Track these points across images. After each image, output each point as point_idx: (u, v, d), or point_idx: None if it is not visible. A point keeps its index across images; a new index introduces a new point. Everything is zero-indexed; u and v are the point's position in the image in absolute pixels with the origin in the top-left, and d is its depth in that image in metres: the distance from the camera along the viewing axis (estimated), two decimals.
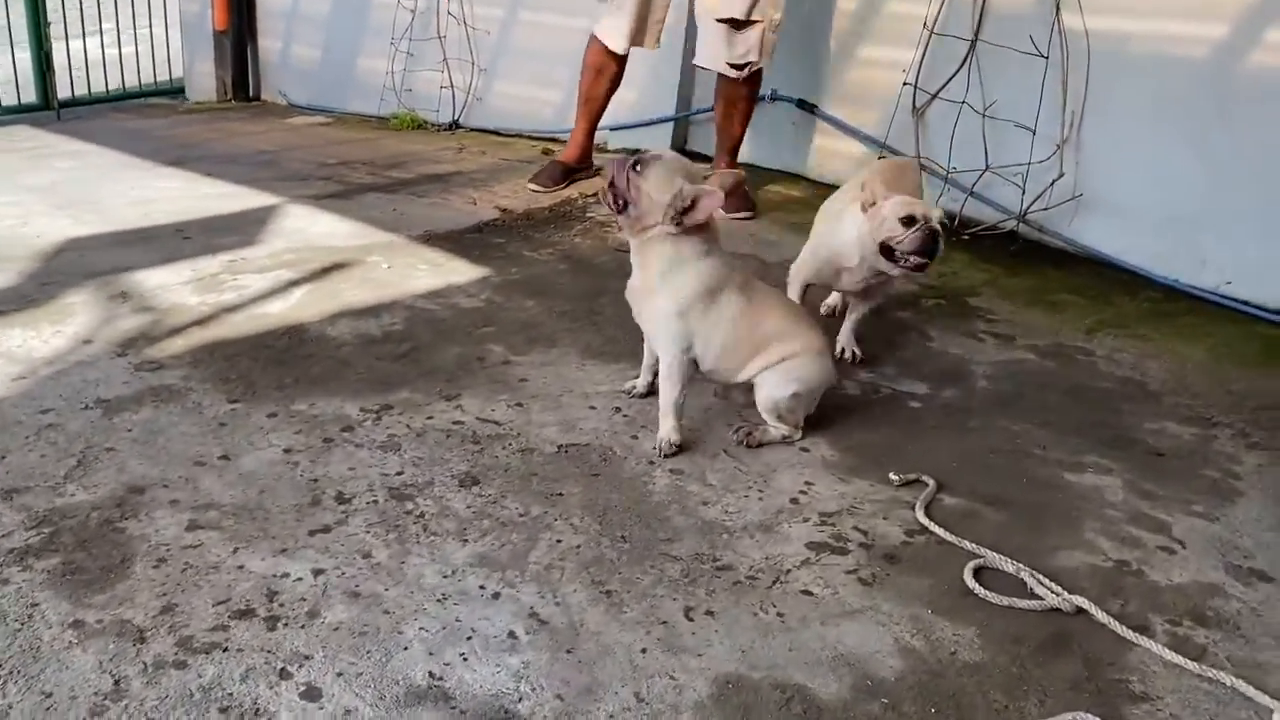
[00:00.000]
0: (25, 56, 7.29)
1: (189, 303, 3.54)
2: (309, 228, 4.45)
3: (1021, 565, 2.48)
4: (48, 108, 7.41)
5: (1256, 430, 3.23)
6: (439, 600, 2.21)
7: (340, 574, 2.26)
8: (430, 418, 2.94)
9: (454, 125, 6.96)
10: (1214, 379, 3.59)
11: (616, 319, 3.69)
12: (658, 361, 2.96)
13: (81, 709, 1.84)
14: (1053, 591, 2.39)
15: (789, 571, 2.42)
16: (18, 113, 7.21)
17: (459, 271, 4.03)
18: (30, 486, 2.46)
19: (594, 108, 5.30)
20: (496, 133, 6.75)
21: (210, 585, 2.19)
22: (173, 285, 3.68)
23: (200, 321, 3.39)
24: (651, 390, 3.09)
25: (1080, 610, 2.34)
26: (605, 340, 3.55)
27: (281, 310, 3.54)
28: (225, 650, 2.01)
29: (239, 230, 4.37)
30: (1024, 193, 4.81)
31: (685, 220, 2.73)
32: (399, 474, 2.66)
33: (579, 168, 5.44)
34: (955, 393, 3.39)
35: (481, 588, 2.27)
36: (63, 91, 7.46)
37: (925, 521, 2.63)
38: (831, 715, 2.00)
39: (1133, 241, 4.60)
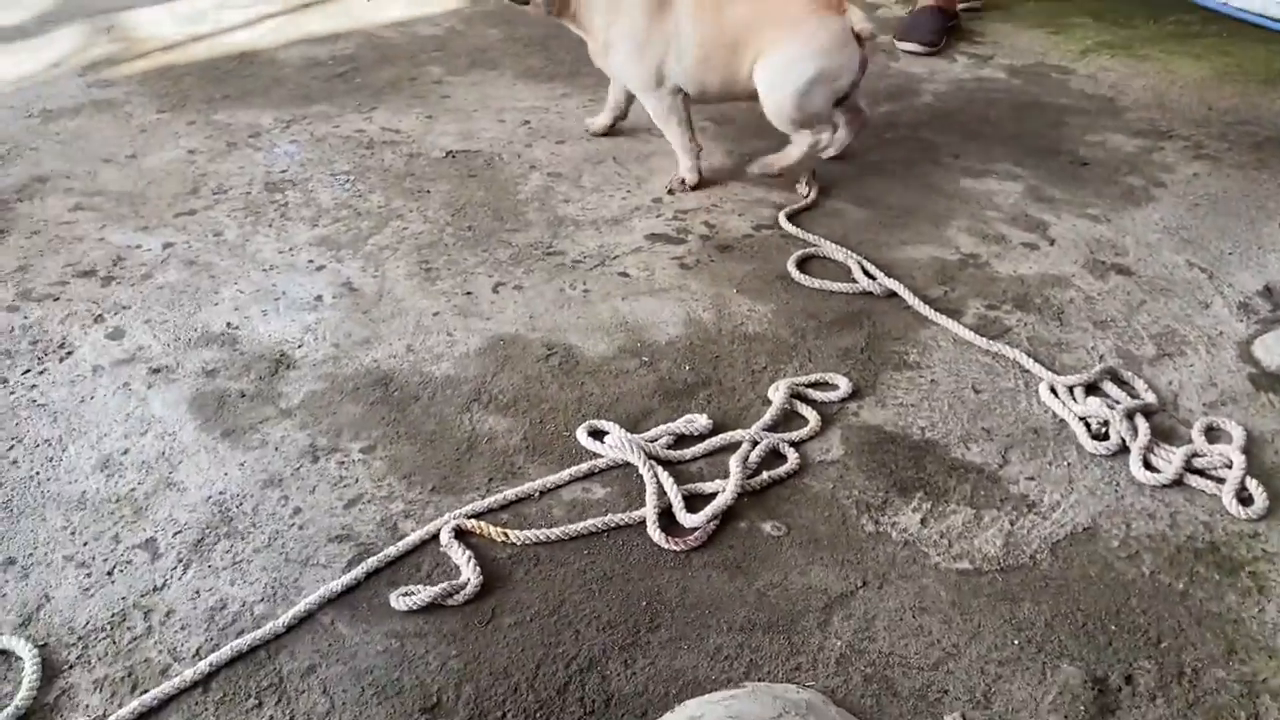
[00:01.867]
0: None
1: (166, 34, 3.73)
2: None
3: (851, 253, 2.41)
4: None
5: (1213, 142, 2.93)
6: (265, 270, 2.38)
7: (186, 247, 2.46)
8: (336, 126, 3.05)
9: None
10: (1199, 97, 3.24)
11: (572, 45, 3.65)
12: (626, 100, 2.92)
13: None
14: (870, 276, 2.33)
15: (616, 258, 2.45)
16: None
17: (436, 3, 4.05)
18: None
19: None
20: None
21: (68, 252, 2.43)
22: (159, 20, 3.88)
23: (166, 48, 3.59)
24: (612, 130, 3.02)
25: (892, 294, 2.28)
26: (549, 64, 3.53)
27: (244, 39, 3.68)
28: (57, 300, 2.26)
29: None
30: None
31: None
32: (282, 172, 2.80)
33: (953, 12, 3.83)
34: (891, 109, 3.21)
35: (310, 262, 2.42)
36: None
37: (781, 220, 2.58)
38: (585, 367, 2.07)
39: None
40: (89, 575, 1.60)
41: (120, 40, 3.67)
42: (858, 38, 2.52)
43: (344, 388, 2.02)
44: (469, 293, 2.31)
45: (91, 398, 1.98)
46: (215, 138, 2.97)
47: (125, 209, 2.61)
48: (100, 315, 2.21)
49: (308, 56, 3.53)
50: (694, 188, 2.73)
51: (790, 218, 2.59)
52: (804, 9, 2.48)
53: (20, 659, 1.46)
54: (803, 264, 2.41)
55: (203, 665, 1.46)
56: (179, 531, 1.68)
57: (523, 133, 3.05)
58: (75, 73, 3.39)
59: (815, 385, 2.01)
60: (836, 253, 2.42)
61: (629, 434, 1.85)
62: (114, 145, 2.93)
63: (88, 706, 1.42)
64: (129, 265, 2.38)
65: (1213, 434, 1.90)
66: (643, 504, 1.73)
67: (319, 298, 2.29)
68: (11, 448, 1.85)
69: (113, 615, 1.54)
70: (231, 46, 3.61)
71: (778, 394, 1.96)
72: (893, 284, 2.28)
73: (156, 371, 2.05)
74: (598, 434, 1.88)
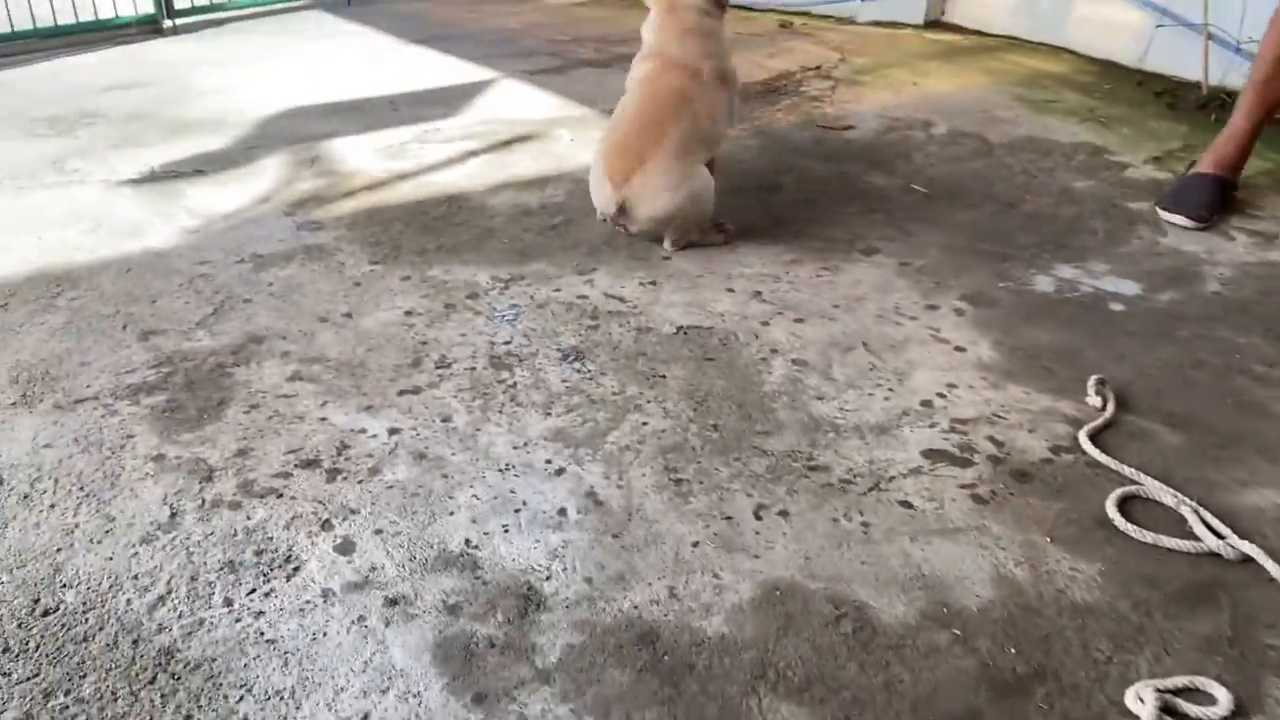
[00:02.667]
0: None
1: (370, 169, 3.63)
2: (510, 101, 4.44)
3: (1185, 498, 2.05)
4: None
5: None
6: (501, 470, 2.14)
7: (414, 434, 2.24)
8: (557, 290, 2.84)
9: None
10: None
11: (791, 200, 3.42)
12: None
13: (134, 535, 1.94)
14: (1216, 533, 1.96)
15: (892, 479, 2.14)
16: None
17: None
18: (166, 329, 2.61)
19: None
20: (749, 8, 6.45)
21: (289, 434, 2.23)
22: (362, 152, 3.79)
23: (372, 186, 3.47)
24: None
25: (1247, 559, 1.90)
26: (770, 221, 3.28)
27: (450, 180, 3.55)
28: (280, 496, 2.04)
29: (445, 103, 4.43)
30: None
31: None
32: (506, 344, 2.59)
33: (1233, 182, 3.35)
34: (1173, 296, 2.86)
35: (548, 462, 2.17)
36: None
37: (1084, 442, 2.23)
38: (885, 640, 1.75)
39: None
40: None
41: (325, 174, 3.57)
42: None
43: (604, 643, 1.73)
44: (728, 517, 2.02)
45: (324, 634, 1.73)
46: (432, 297, 2.79)
47: (346, 381, 2.42)
48: (327, 520, 1.99)
49: (518, 204, 3.36)
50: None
51: (1092, 438, 2.24)
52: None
53: None
54: (1123, 504, 2.06)
55: None
56: None
57: (756, 307, 2.78)
58: (283, 210, 3.28)
59: (1183, 691, 1.64)
60: (1163, 494, 2.06)
61: None
62: (329, 301, 2.76)
63: None
64: (354, 455, 2.17)
65: None
66: None
67: (562, 511, 2.03)
68: (240, 699, 1.61)
69: None
70: (438, 188, 3.47)
71: (1143, 707, 1.59)
72: (1247, 547, 1.90)
73: (394, 603, 1.80)
74: None
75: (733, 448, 2.22)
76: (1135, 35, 4.70)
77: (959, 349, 2.60)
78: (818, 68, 4.75)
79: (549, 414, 2.32)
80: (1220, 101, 4.23)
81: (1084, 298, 2.85)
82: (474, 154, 3.76)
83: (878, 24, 5.63)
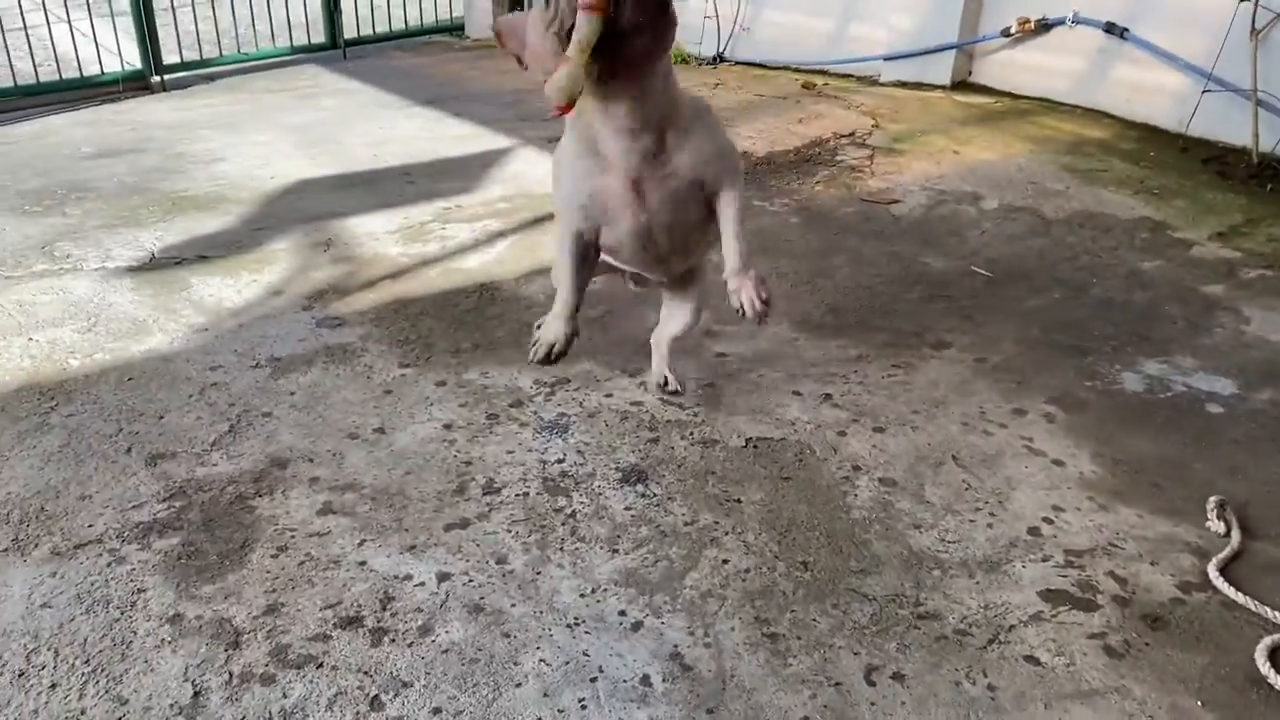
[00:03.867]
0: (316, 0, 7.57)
1: (390, 253, 3.38)
2: (531, 172, 4.21)
3: None
4: (334, 47, 7.71)
5: None
6: (570, 626, 1.87)
7: (467, 580, 1.97)
8: (609, 395, 2.59)
9: (718, 59, 6.54)
10: None
11: (846, 286, 3.19)
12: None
13: None
14: None
15: (1012, 629, 1.89)
16: (307, 52, 7.52)
17: None
18: (177, 452, 2.34)
19: None
20: (762, 65, 6.28)
21: (325, 583, 1.96)
22: (380, 234, 3.54)
23: (395, 274, 3.22)
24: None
25: None
26: (826, 310, 3.05)
27: (479, 265, 3.30)
28: (320, 666, 1.77)
29: (463, 175, 4.20)
30: None
31: None
32: (559, 462, 2.33)
33: None
34: (1273, 395, 2.63)
35: (622, 614, 1.90)
36: (351, 31, 7.71)
37: (1215, 578, 1.99)
38: None
39: None
40: None
41: (342, 260, 3.32)
42: None
43: None
44: (836, 683, 1.76)
45: None
46: (472, 406, 2.53)
47: (384, 514, 2.15)
48: (376, 697, 1.71)
49: (553, 293, 3.11)
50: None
51: (1223, 572, 2.00)
52: None
53: None
54: (1274, 655, 1.81)
55: None
56: None
57: (829, 413, 2.54)
58: (299, 304, 3.02)
59: None
60: None
61: None
62: (358, 413, 2.50)
63: None
64: (401, 610, 1.89)
65: None
66: None
67: (645, 680, 1.76)
68: None
69: None
70: (467, 275, 3.23)
71: None
72: None
73: None
74: None
75: (828, 591, 1.97)
76: (1176, 99, 4.53)
77: (1057, 463, 2.36)
78: (852, 134, 4.55)
79: (615, 550, 2.06)
80: (1273, 170, 4.05)
81: (1178, 398, 2.62)
82: (501, 235, 3.53)
83: (902, 85, 5.45)
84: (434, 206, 3.81)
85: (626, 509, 2.18)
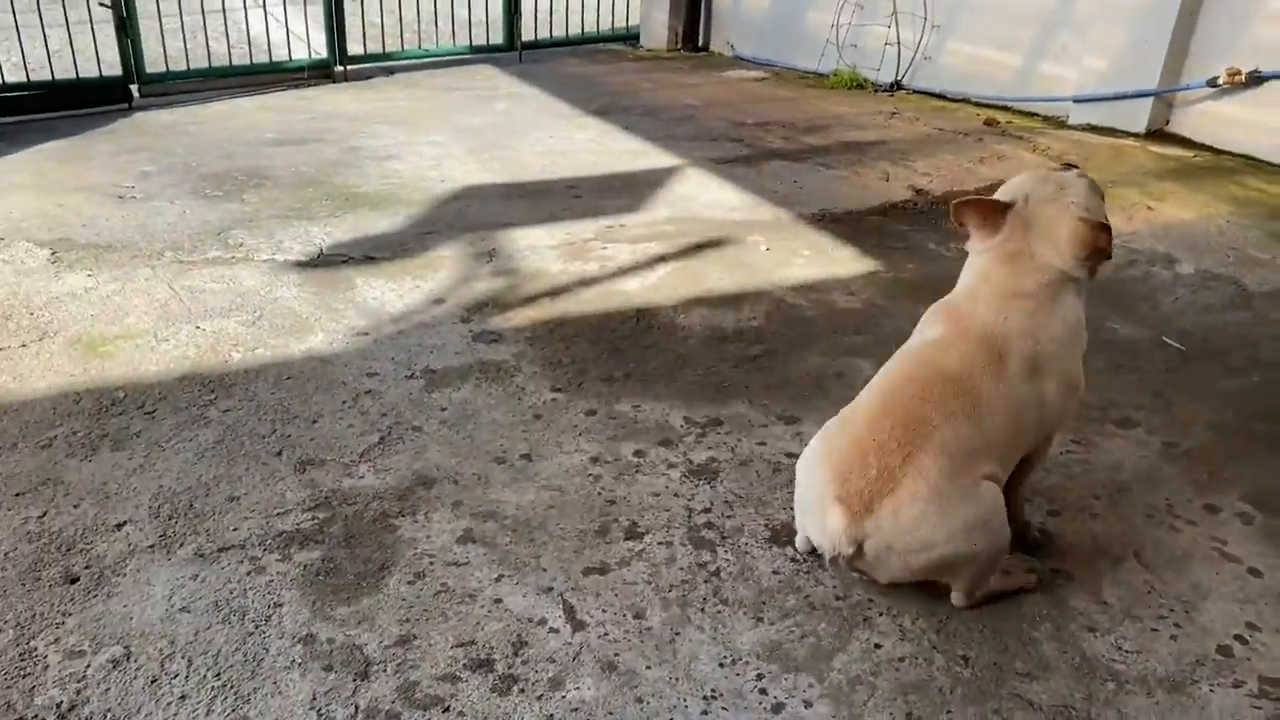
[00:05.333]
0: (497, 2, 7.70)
1: (551, 269, 3.35)
2: (698, 195, 4.13)
3: None
4: (511, 48, 7.83)
5: None
6: (706, 698, 1.76)
7: (603, 633, 1.88)
8: (761, 443, 2.47)
9: (895, 86, 6.34)
10: None
11: None
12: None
13: None
14: None
15: None
16: (485, 52, 7.68)
17: (844, 262, 3.49)
18: (326, 460, 2.33)
19: None
20: (941, 96, 6.05)
21: (459, 618, 1.90)
22: (542, 248, 3.52)
23: (554, 292, 3.18)
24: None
25: None
26: None
27: (638, 289, 3.23)
28: (446, 710, 1.71)
29: (629, 192, 4.14)
30: None
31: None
32: (705, 511, 2.23)
33: None
34: None
35: (762, 692, 1.78)
36: (528, 34, 7.81)
37: None
38: None
39: None
40: None
41: (503, 272, 3.30)
42: None
43: None
44: None
45: None
46: (620, 440, 2.45)
47: (524, 548, 2.08)
48: None
49: (711, 325, 3.02)
50: None
51: None
52: None
53: None
54: None
55: None
56: None
57: None
58: (459, 315, 3.01)
59: None
60: None
61: None
62: (506, 435, 2.45)
63: None
64: (533, 658, 1.82)
65: None
66: None
67: None
68: None
69: None
70: (625, 299, 3.16)
71: None
72: None
73: None
74: None
75: (990, 692, 1.80)
76: None
77: (1254, 572, 2.12)
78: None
79: (760, 619, 1.94)
80: None
81: None
82: (662, 259, 3.45)
83: (1092, 129, 5.15)
84: (597, 224, 3.76)
85: (774, 572, 2.06)
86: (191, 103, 5.94)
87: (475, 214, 3.82)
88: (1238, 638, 1.95)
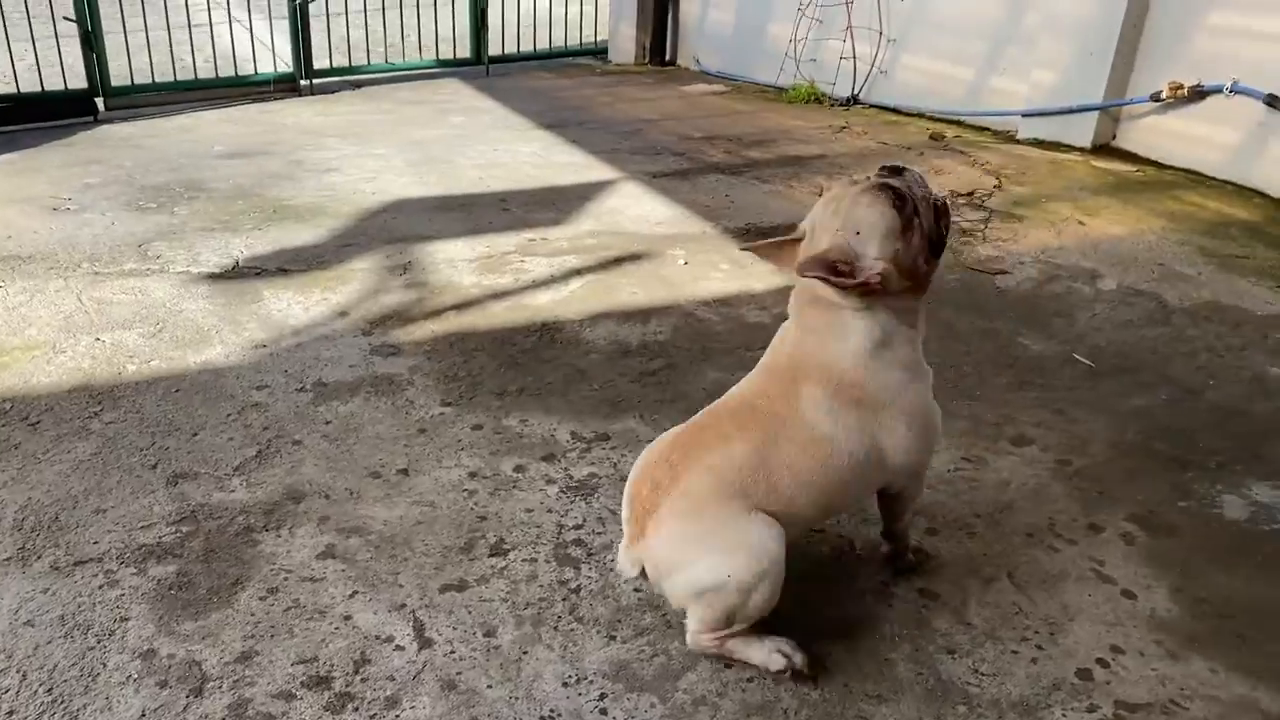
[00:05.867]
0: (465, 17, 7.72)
1: (463, 282, 3.33)
2: (627, 209, 4.12)
3: None
4: (478, 62, 7.86)
5: None
6: (543, 718, 1.73)
7: (449, 651, 1.86)
8: None
9: (851, 100, 6.35)
10: None
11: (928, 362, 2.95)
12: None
13: None
14: None
15: None
16: (453, 66, 7.72)
17: (760, 276, 3.48)
18: (200, 473, 2.31)
19: None
20: (896, 110, 6.05)
21: (305, 634, 1.88)
22: (459, 261, 3.50)
23: (461, 305, 3.16)
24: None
25: None
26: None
27: (548, 303, 3.21)
28: None
29: (559, 205, 4.13)
30: None
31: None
32: (577, 527, 2.20)
33: None
34: None
35: (602, 712, 1.75)
36: (499, 48, 7.83)
37: None
38: None
39: None
40: None
41: (415, 285, 3.29)
42: None
43: None
44: None
45: None
46: (502, 455, 2.43)
47: (383, 565, 2.06)
48: None
49: (616, 339, 3.00)
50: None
51: None
52: None
53: None
54: None
55: None
56: None
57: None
58: (360, 328, 2.99)
59: None
60: None
61: None
62: (387, 450, 2.43)
63: None
64: (373, 676, 1.79)
65: None
66: None
67: None
68: None
69: None
70: (533, 312, 3.14)
71: None
72: None
73: None
74: None
75: (836, 715, 1.77)
76: None
77: (1127, 594, 2.10)
78: (971, 194, 4.29)
79: (613, 637, 1.92)
80: None
81: None
82: (578, 272, 3.43)
83: (1039, 143, 5.15)
84: (520, 237, 3.75)
85: (636, 590, 2.03)
86: (156, 115, 5.96)
87: (399, 226, 3.81)
88: (1100, 661, 1.92)
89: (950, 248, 3.75)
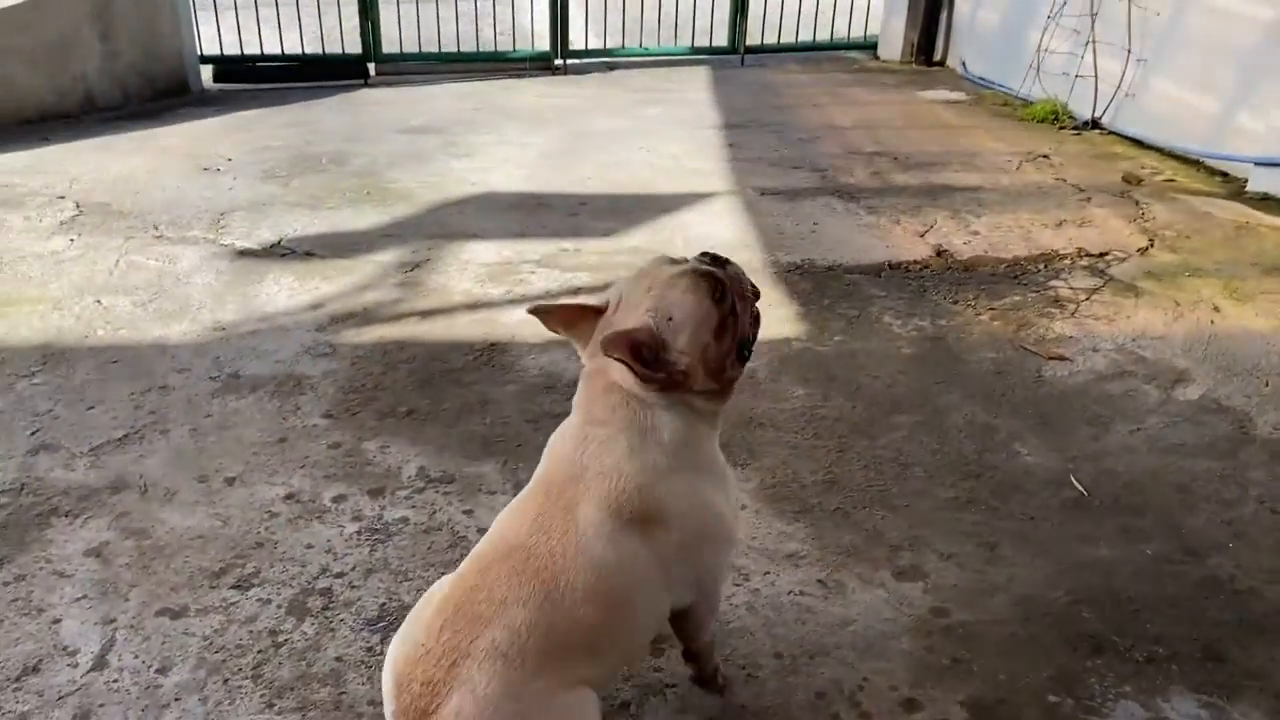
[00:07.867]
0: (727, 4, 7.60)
1: (455, 289, 3.28)
2: (695, 226, 3.87)
3: None
4: (733, 51, 7.74)
5: None
6: None
7: (114, 681, 1.84)
8: (469, 511, 2.28)
9: (1091, 124, 5.56)
10: None
11: (878, 455, 2.53)
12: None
13: None
14: None
15: None
16: (707, 54, 7.68)
17: (768, 324, 3.11)
18: (61, 448, 2.45)
19: None
20: (1138, 142, 5.21)
21: (6, 629, 1.94)
22: (472, 265, 3.45)
23: (430, 312, 3.12)
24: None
25: None
26: (821, 479, 2.43)
27: (515, 321, 3.08)
28: None
29: (630, 215, 3.95)
30: None
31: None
32: (338, 576, 2.10)
33: None
34: None
35: None
36: (756, 36, 7.68)
37: None
38: None
39: None
40: None
41: (409, 284, 3.29)
42: None
43: None
44: None
45: None
46: (333, 480, 2.37)
47: (129, 576, 2.08)
48: None
49: (549, 373, 2.82)
50: None
51: None
52: None
53: None
54: None
55: None
56: None
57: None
58: (320, 323, 3.03)
59: None
60: None
61: None
62: (234, 455, 2.45)
63: None
64: (26, 688, 1.81)
65: None
66: None
67: None
68: None
69: None
70: (492, 329, 3.04)
71: None
72: None
73: None
74: None
75: None
76: None
77: None
78: (1101, 255, 3.60)
79: (272, 705, 1.81)
80: None
81: None
82: (575, 292, 3.27)
83: (1265, 199, 4.21)
84: (556, 245, 3.63)
85: (337, 658, 1.91)
86: (414, 83, 6.45)
87: (454, 221, 3.81)
88: None
89: (1022, 320, 3.18)
